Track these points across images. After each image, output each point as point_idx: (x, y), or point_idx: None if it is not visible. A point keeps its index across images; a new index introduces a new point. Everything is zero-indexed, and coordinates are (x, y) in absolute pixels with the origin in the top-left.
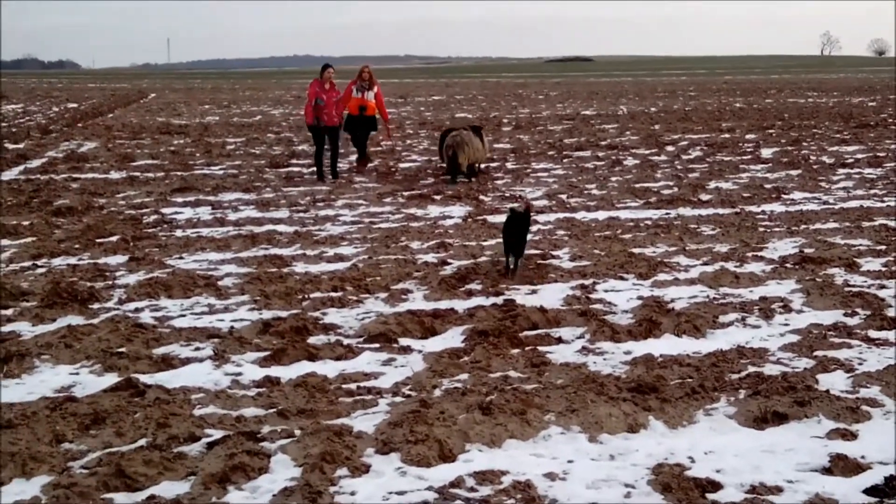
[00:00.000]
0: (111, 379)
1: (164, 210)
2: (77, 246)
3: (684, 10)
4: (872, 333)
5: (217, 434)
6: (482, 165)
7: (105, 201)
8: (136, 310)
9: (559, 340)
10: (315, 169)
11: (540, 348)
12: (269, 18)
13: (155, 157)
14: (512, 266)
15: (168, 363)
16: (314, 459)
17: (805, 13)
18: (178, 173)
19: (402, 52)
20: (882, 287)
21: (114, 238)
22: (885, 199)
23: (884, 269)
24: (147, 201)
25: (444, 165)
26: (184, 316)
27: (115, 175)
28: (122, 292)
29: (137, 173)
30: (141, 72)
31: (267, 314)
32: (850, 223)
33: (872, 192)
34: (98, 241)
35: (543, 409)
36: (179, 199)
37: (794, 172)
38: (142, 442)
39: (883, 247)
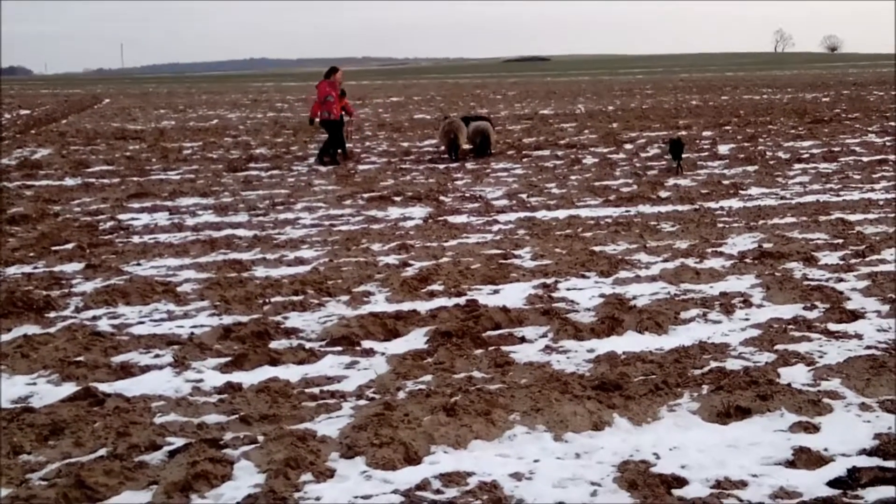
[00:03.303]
0: (69, 388)
1: (121, 216)
2: (32, 254)
3: (640, 10)
4: (832, 326)
5: (179, 442)
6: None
7: (60, 208)
8: (94, 318)
9: (522, 340)
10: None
11: (503, 348)
12: (225, 21)
13: (110, 163)
14: (675, 166)
15: (127, 371)
16: (278, 465)
17: (758, 11)
18: (135, 179)
19: (359, 55)
20: (840, 280)
21: (69, 245)
22: (841, 193)
23: (841, 262)
24: (103, 208)
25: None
26: (142, 323)
27: (69, 182)
28: (79, 300)
29: (93, 179)
30: (95, 77)
31: (227, 319)
32: (807, 217)
33: (828, 186)
34: (53, 248)
35: (508, 409)
36: (136, 205)
37: (750, 168)
38: (102, 452)
39: (840, 240)
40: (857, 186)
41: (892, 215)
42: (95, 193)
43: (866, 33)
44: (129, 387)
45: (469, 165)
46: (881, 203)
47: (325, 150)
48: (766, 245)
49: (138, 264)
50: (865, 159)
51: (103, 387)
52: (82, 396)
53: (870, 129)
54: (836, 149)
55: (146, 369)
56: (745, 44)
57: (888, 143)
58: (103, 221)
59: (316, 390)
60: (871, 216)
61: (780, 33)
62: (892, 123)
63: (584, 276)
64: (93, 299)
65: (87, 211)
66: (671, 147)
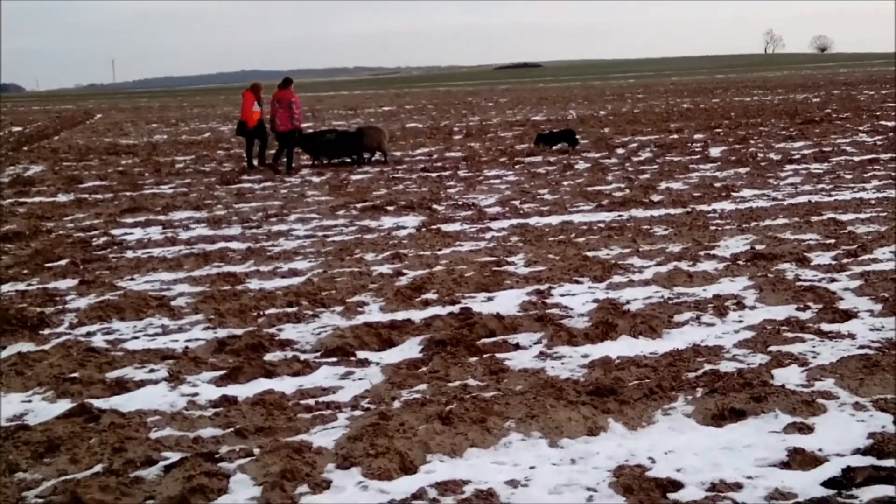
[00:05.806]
0: (64, 405)
1: (114, 231)
2: (25, 271)
3: (631, 15)
4: (825, 326)
5: (174, 456)
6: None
7: (53, 225)
8: (88, 334)
9: (517, 347)
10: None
11: (498, 355)
12: (216, 34)
13: (103, 179)
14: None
15: (122, 387)
16: (274, 478)
17: (748, 13)
18: (127, 194)
19: (350, 65)
20: (833, 280)
21: (63, 262)
22: (833, 193)
23: (833, 262)
24: (96, 223)
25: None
26: (137, 338)
27: (62, 198)
28: (73, 316)
29: (86, 195)
30: (86, 92)
31: (222, 332)
32: (799, 218)
33: (819, 186)
34: (47, 265)
35: (503, 416)
36: (129, 220)
37: (742, 170)
38: (97, 468)
39: (832, 240)
40: (849, 186)
41: (884, 214)
42: (88, 209)
43: (856, 33)
44: (125, 402)
45: (461, 173)
46: (873, 202)
47: (289, 156)
48: (758, 247)
49: (132, 279)
50: (856, 159)
51: (98, 403)
52: (77, 413)
53: (860, 128)
54: (828, 149)
55: (141, 384)
56: (735, 46)
57: (879, 143)
58: (97, 237)
59: (311, 402)
60: (862, 216)
61: (769, 34)
62: (883, 122)
63: (577, 282)
64: (87, 315)
65: (81, 227)
66: (565, 136)
